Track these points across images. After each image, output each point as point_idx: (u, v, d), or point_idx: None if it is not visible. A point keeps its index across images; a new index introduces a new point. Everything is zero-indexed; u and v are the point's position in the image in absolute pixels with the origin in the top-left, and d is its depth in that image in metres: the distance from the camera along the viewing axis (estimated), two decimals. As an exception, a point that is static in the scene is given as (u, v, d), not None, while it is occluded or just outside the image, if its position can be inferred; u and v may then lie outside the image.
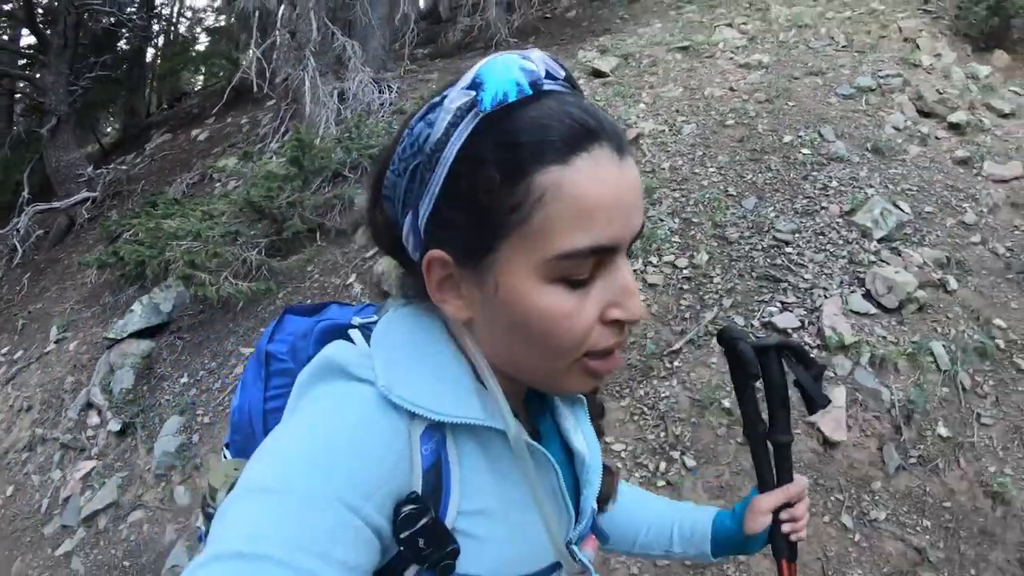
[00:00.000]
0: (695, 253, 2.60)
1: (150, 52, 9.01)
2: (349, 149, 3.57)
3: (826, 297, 2.19)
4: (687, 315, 2.34)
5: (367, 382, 0.45)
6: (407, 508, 0.43)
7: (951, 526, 1.86)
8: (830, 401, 0.70)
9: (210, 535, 0.39)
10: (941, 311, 2.25)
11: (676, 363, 2.19)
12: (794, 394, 0.66)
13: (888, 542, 1.78)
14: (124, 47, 7.20)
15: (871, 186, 2.84)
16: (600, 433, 0.62)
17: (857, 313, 2.17)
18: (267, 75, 4.40)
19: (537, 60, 0.44)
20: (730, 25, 5.98)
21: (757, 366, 0.64)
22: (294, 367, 0.57)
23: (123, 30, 5.39)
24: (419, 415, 0.45)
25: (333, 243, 3.27)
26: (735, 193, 2.92)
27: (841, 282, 2.28)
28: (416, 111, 0.46)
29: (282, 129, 4.49)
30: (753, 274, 2.43)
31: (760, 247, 2.55)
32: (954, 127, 3.59)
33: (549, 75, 0.44)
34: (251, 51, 4.24)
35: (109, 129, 9.02)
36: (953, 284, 2.38)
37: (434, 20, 7.06)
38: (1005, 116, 3.74)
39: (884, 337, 2.10)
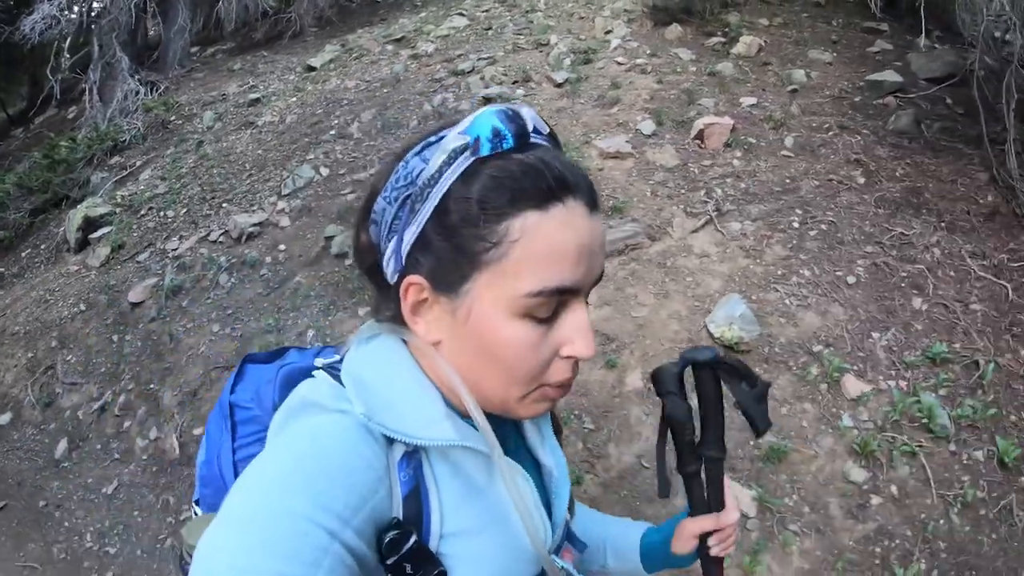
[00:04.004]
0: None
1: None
2: (91, 145, 5.67)
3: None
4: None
5: (343, 413, 0.51)
6: (390, 534, 0.48)
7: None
8: (771, 424, 0.66)
9: (193, 568, 0.42)
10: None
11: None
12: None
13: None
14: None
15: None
16: (559, 429, 0.72)
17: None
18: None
19: (527, 116, 0.52)
20: (462, 14, 7.15)
21: (675, 383, 0.66)
22: (261, 414, 0.62)
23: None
24: (397, 440, 0.51)
25: (71, 207, 5.40)
26: (272, 161, 4.70)
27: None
28: (411, 145, 0.55)
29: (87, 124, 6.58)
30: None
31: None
32: (488, 100, 4.69)
33: (536, 130, 0.53)
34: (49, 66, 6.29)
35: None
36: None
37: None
38: (558, 86, 4.73)
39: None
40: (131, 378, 3.32)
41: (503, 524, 0.56)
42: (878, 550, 2.05)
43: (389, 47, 6.74)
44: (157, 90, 6.51)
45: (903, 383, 2.46)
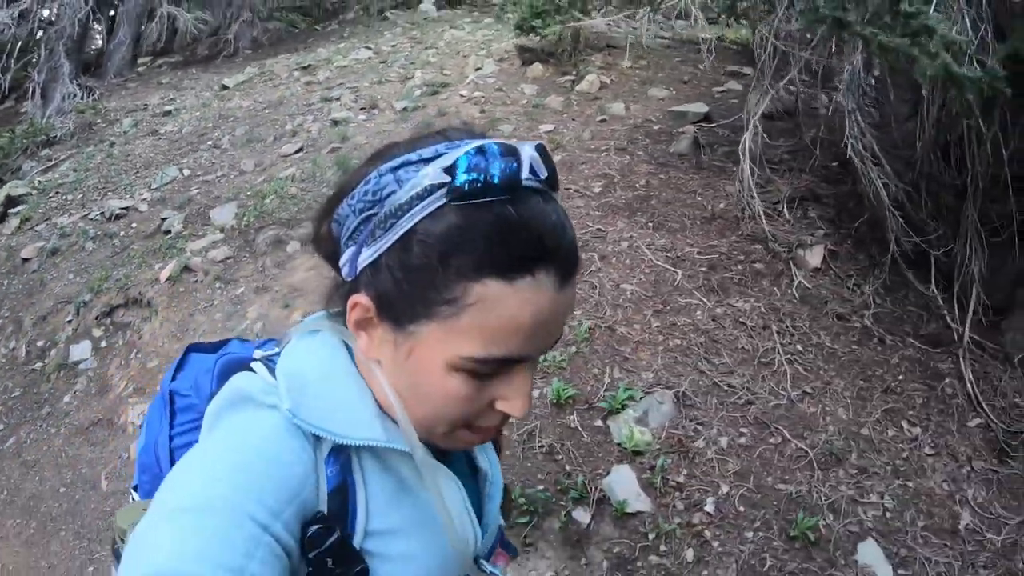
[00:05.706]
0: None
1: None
2: (27, 137, 7.11)
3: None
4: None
5: (273, 408, 0.53)
6: (313, 528, 0.50)
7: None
8: None
9: (126, 558, 0.43)
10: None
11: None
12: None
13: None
14: None
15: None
16: (499, 450, 0.74)
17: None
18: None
19: (524, 156, 0.49)
20: (369, 47, 8.64)
21: None
22: (198, 402, 0.63)
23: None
24: (323, 438, 0.53)
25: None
26: (156, 163, 6.15)
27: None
28: (388, 156, 0.52)
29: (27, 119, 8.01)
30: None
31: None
32: (336, 123, 5.86)
33: (533, 171, 0.49)
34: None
35: None
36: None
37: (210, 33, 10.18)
38: (402, 112, 5.62)
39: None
40: (8, 309, 4.70)
41: (433, 526, 0.58)
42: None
43: (296, 73, 8.11)
44: (92, 95, 7.96)
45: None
